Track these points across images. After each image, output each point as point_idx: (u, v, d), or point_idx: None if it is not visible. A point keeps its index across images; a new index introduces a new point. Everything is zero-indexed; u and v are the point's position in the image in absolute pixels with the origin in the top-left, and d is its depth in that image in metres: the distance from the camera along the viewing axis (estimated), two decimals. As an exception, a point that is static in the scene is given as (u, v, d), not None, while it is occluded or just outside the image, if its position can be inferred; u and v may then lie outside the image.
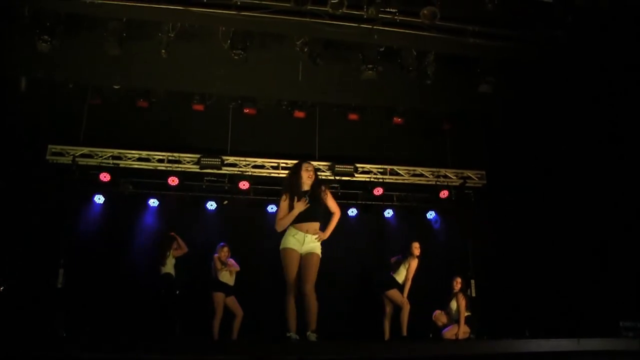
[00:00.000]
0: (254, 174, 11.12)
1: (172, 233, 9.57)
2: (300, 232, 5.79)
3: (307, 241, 5.80)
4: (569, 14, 8.22)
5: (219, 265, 9.28)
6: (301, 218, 5.80)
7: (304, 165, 5.99)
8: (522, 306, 10.10)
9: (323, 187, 6.02)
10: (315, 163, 10.97)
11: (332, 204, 6.06)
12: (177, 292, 9.27)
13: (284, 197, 5.91)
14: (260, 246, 10.91)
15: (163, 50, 8.65)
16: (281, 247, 5.84)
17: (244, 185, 10.88)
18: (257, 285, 10.33)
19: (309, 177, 5.93)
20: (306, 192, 5.89)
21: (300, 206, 5.75)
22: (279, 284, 10.72)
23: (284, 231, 5.88)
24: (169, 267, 9.37)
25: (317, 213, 5.89)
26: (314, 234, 5.80)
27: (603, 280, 8.81)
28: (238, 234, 10.62)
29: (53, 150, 10.47)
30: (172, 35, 8.64)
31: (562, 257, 9.87)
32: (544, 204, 10.54)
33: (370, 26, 8.39)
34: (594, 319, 7.84)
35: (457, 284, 9.40)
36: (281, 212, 5.87)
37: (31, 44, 8.17)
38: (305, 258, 5.77)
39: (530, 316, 9.76)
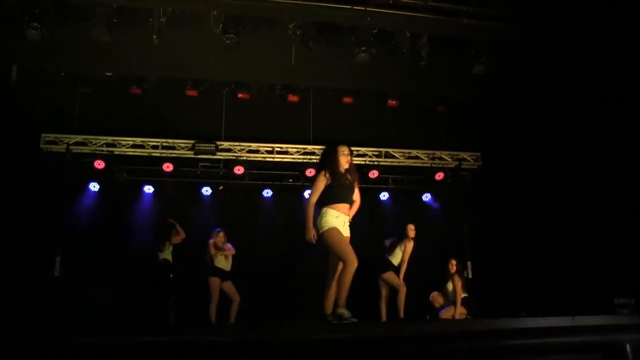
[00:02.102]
0: (249, 158, 11.10)
1: (171, 220, 9.55)
2: (342, 215, 5.64)
3: (346, 225, 5.70)
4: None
5: (212, 250, 9.28)
6: (343, 198, 5.68)
7: (340, 149, 5.81)
8: (519, 287, 10.14)
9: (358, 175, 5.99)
10: (310, 147, 11.13)
11: (357, 191, 5.96)
12: (171, 276, 9.24)
13: (322, 173, 5.70)
14: (257, 231, 10.97)
15: (154, 36, 8.60)
16: (326, 227, 5.54)
17: (238, 170, 10.87)
18: (253, 269, 10.36)
19: (347, 161, 5.79)
20: (344, 174, 5.77)
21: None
22: (276, 269, 10.84)
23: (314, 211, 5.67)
24: (167, 253, 9.37)
25: (351, 195, 5.81)
26: (349, 217, 5.73)
27: (598, 259, 8.84)
28: (234, 219, 10.63)
29: (47, 138, 10.42)
30: (163, 21, 8.58)
31: (557, 238, 9.89)
32: (540, 184, 10.55)
33: (362, 8, 8.34)
34: (589, 297, 7.86)
35: (453, 266, 9.43)
36: (317, 191, 5.66)
37: (20, 33, 8.11)
38: (347, 242, 5.66)
39: (526, 297, 9.80)
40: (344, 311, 5.38)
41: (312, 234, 5.58)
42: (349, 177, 5.79)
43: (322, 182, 5.66)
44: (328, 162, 5.78)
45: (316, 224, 5.63)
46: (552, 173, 10.25)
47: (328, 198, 5.65)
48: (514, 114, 11.00)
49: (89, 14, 8.36)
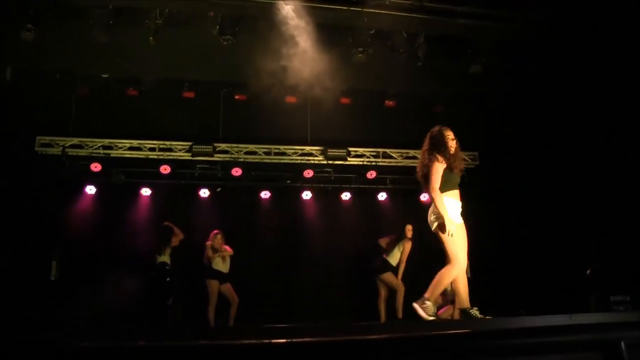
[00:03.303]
0: (247, 160, 11.06)
1: (167, 223, 9.49)
2: (457, 201, 5.40)
3: (460, 211, 5.42)
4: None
5: (210, 252, 9.26)
6: (457, 184, 5.44)
7: (446, 132, 5.53)
8: (517, 286, 10.13)
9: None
10: (307, 148, 11.11)
11: None
12: (168, 279, 9.20)
13: (437, 156, 5.36)
14: (255, 232, 10.95)
15: (151, 38, 8.60)
16: (450, 218, 5.22)
17: (236, 171, 10.82)
18: (252, 271, 10.35)
19: (453, 146, 5.49)
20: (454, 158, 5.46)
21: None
22: (274, 270, 10.81)
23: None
24: (165, 256, 9.32)
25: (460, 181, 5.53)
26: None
27: (594, 258, 8.85)
28: (232, 221, 10.61)
29: (42, 141, 10.35)
30: (160, 22, 8.59)
31: (555, 236, 9.90)
32: (537, 183, 10.55)
33: (359, 9, 8.36)
34: (586, 295, 7.87)
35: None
36: (439, 175, 5.29)
37: (15, 33, 8.09)
38: (463, 228, 5.37)
39: (525, 295, 9.80)
40: (473, 310, 5.19)
41: (452, 227, 5.20)
42: (457, 162, 5.47)
43: (440, 166, 5.32)
44: (440, 145, 5.44)
45: (431, 213, 5.35)
46: (549, 172, 10.26)
47: (443, 185, 5.34)
48: (511, 113, 11.00)
49: (86, 15, 8.35)
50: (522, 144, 10.88)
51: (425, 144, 5.61)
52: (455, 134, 5.67)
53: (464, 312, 5.25)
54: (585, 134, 9.55)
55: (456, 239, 5.22)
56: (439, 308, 9.36)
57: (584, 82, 9.39)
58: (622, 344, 2.75)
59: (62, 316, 8.87)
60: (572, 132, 9.82)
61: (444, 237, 5.23)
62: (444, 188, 5.35)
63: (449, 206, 5.29)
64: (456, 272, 5.21)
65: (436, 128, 5.64)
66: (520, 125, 10.93)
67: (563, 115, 10.04)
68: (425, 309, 5.10)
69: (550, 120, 10.34)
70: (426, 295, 5.17)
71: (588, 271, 7.79)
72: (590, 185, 9.31)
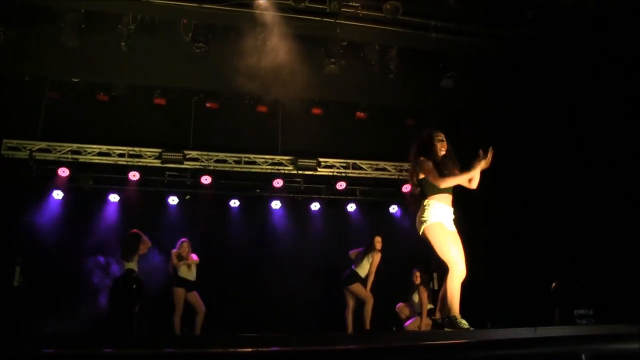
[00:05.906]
0: (217, 168, 11.02)
1: (135, 230, 9.37)
2: (447, 206, 5.19)
3: (451, 217, 5.24)
4: (529, 10, 8.40)
5: (175, 260, 9.19)
6: (446, 188, 5.18)
7: (435, 134, 5.40)
8: (484, 299, 10.22)
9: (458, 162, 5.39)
10: (278, 157, 11.11)
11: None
12: (134, 287, 9.07)
13: (422, 159, 5.21)
14: (223, 241, 10.89)
15: (123, 43, 8.54)
16: (430, 221, 5.05)
17: (206, 179, 10.78)
18: (220, 280, 10.28)
19: (443, 146, 5.36)
20: (443, 161, 5.28)
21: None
22: (242, 279, 10.76)
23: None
24: (133, 263, 9.20)
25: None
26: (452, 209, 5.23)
27: (560, 272, 8.99)
28: (200, 229, 10.55)
29: (9, 144, 10.19)
30: (132, 28, 8.55)
31: (523, 251, 10.02)
32: (505, 198, 10.67)
33: (332, 20, 8.42)
34: (550, 308, 8.00)
35: (417, 277, 9.47)
36: (433, 170, 5.12)
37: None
38: (456, 235, 5.20)
39: (491, 308, 9.89)
40: (460, 320, 4.91)
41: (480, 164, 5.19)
42: (449, 164, 5.30)
43: (428, 164, 5.17)
44: (424, 149, 5.32)
45: (417, 218, 5.18)
46: (518, 187, 10.39)
47: (430, 189, 5.17)
48: (483, 126, 11.14)
49: (58, 18, 8.27)
50: (493, 160, 10.98)
51: (413, 150, 5.44)
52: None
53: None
54: (556, 150, 9.70)
55: (444, 242, 5.05)
56: (406, 320, 9.43)
57: (557, 100, 9.56)
58: (583, 356, 2.81)
59: (25, 323, 8.70)
60: (543, 148, 9.96)
61: (434, 242, 5.10)
62: (431, 191, 5.19)
63: (435, 210, 5.12)
64: (458, 276, 5.01)
65: (425, 131, 5.49)
66: (490, 140, 11.04)
67: (533, 132, 10.19)
68: (460, 325, 4.87)
69: (521, 136, 10.48)
70: (451, 315, 4.97)
71: (553, 285, 7.91)
72: (558, 199, 9.46)
